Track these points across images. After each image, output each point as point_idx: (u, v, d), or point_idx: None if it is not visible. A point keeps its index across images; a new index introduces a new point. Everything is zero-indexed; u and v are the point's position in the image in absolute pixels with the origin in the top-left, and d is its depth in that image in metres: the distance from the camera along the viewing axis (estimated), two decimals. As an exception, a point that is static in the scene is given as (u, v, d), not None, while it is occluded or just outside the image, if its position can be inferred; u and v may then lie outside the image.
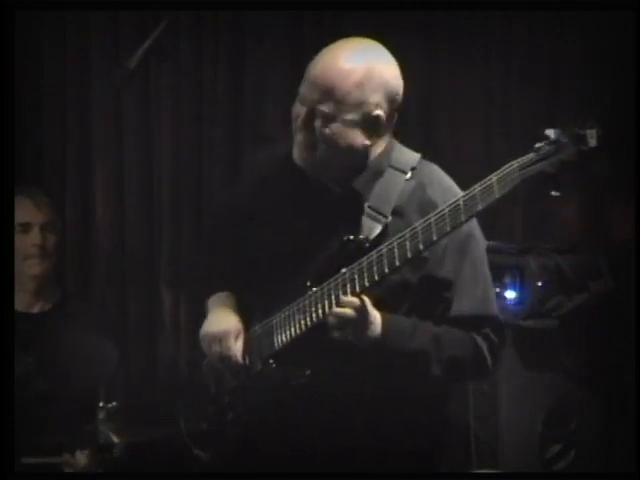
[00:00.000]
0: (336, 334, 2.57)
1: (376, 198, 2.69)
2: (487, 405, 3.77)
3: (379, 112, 2.70)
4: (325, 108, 2.67)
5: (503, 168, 2.39)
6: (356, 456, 2.69)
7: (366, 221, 2.66)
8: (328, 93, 2.67)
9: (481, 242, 2.74)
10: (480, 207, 2.42)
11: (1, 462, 3.00)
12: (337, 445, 2.69)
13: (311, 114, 2.69)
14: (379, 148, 2.75)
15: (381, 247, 2.56)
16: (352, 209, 2.69)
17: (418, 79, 4.47)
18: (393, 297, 2.64)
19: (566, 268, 3.88)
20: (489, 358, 2.68)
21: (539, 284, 3.82)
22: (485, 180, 2.41)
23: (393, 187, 2.68)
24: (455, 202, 2.46)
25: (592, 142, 2.27)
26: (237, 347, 2.77)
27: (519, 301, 3.84)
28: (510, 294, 3.85)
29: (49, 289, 3.97)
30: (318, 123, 2.68)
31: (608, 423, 4.00)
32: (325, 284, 2.62)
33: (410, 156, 2.78)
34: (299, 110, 2.72)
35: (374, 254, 2.55)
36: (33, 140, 4.70)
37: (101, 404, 3.39)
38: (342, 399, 2.67)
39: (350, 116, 2.68)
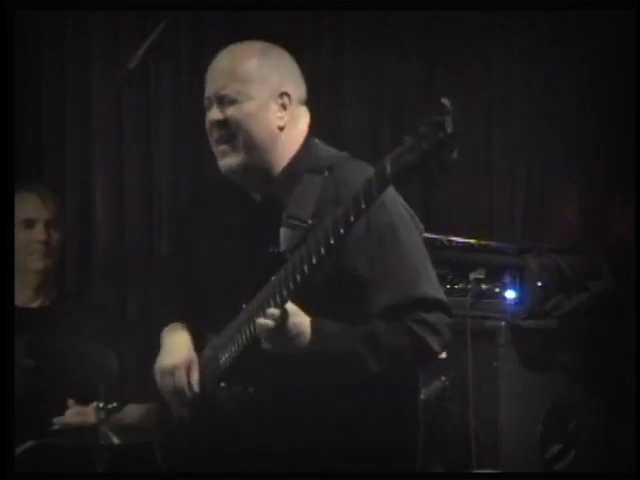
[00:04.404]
0: (265, 345, 2.56)
1: (294, 205, 2.67)
2: (487, 405, 3.77)
3: (285, 89, 2.73)
4: (230, 91, 2.70)
5: (379, 164, 2.37)
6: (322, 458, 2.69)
7: (285, 232, 2.64)
8: (229, 76, 2.70)
9: (405, 229, 2.69)
10: (364, 205, 2.38)
11: (1, 462, 2.99)
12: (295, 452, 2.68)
13: (220, 106, 2.71)
14: (294, 148, 2.76)
15: (298, 251, 2.53)
16: (272, 219, 2.68)
17: (418, 79, 4.48)
18: (318, 301, 2.60)
19: (566, 268, 3.88)
20: (434, 342, 2.63)
21: (539, 284, 3.81)
22: (367, 179, 2.39)
23: (311, 191, 2.66)
24: (343, 206, 2.43)
25: (449, 128, 2.27)
26: (191, 378, 2.79)
27: (519, 301, 3.84)
28: (510, 294, 3.85)
29: (49, 285, 3.99)
30: (229, 112, 2.70)
31: (608, 423, 4.00)
32: (254, 299, 2.63)
33: (329, 155, 2.77)
34: (208, 117, 2.74)
35: (295, 259, 2.53)
36: (33, 139, 4.70)
37: (101, 404, 3.39)
38: (286, 410, 2.67)
39: (258, 93, 2.70)
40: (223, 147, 2.73)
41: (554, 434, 3.87)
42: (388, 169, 2.33)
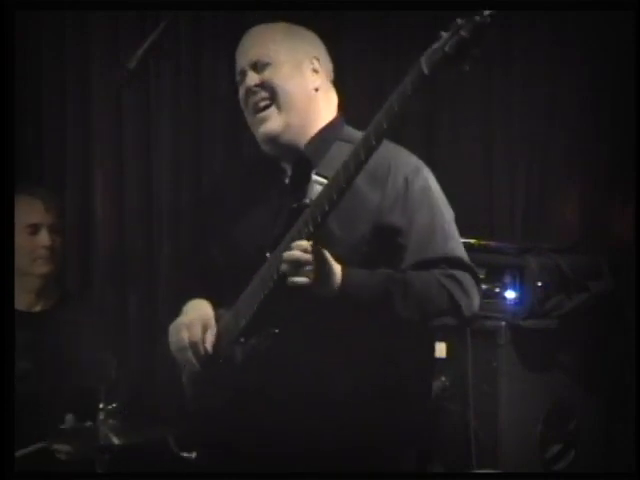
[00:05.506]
0: (290, 280, 2.55)
1: (324, 165, 2.71)
2: (487, 405, 3.77)
3: (315, 54, 2.81)
4: (262, 56, 2.78)
5: (413, 64, 2.40)
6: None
7: (314, 187, 2.65)
8: (259, 45, 2.79)
9: (438, 195, 2.76)
10: (397, 108, 2.43)
11: (1, 462, 2.99)
12: (315, 426, 2.68)
13: (255, 71, 2.77)
14: (328, 115, 2.82)
15: (320, 192, 2.57)
16: (303, 180, 2.71)
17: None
18: (349, 256, 2.64)
19: (566, 268, 3.88)
20: (462, 299, 2.66)
21: (539, 284, 3.82)
22: (401, 83, 2.43)
23: (342, 157, 2.65)
24: (377, 115, 2.47)
25: (486, 11, 2.29)
26: (206, 335, 2.79)
27: (519, 301, 3.84)
28: (510, 294, 3.85)
29: (51, 289, 3.98)
30: (265, 75, 2.77)
31: (608, 423, 4.00)
32: (276, 250, 2.63)
33: (361, 134, 2.78)
34: (245, 85, 2.79)
35: (312, 203, 2.57)
36: (33, 139, 4.70)
37: (101, 405, 3.39)
38: (310, 364, 2.67)
39: (289, 56, 2.78)
40: (262, 114, 2.78)
41: (554, 434, 3.87)
42: (424, 65, 2.37)
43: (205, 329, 2.79)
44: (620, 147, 4.18)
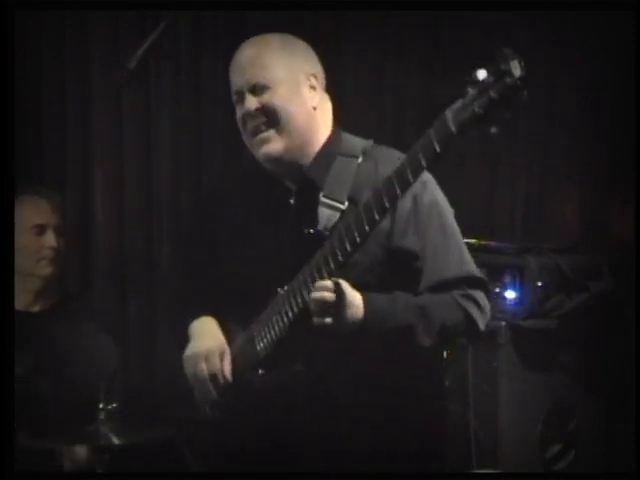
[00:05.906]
0: (318, 320, 2.54)
1: (330, 186, 2.69)
2: (487, 405, 3.77)
3: (312, 71, 2.78)
4: (260, 79, 2.73)
5: (438, 120, 2.37)
6: (351, 456, 2.69)
7: (323, 211, 2.66)
8: (256, 65, 2.74)
9: (446, 209, 2.75)
10: (424, 164, 2.40)
11: (1, 462, 2.99)
12: (329, 444, 2.68)
13: (254, 95, 2.73)
14: (326, 131, 2.79)
15: (339, 229, 2.56)
16: (309, 202, 2.70)
17: (418, 79, 4.48)
18: (364, 278, 2.63)
19: (566, 268, 3.88)
20: (479, 318, 2.68)
21: (539, 284, 3.82)
22: (424, 136, 2.39)
23: (346, 172, 2.67)
24: (400, 165, 2.45)
25: (516, 72, 2.27)
26: (224, 365, 2.77)
27: (519, 301, 3.84)
28: (510, 294, 3.85)
29: (51, 289, 3.97)
30: (264, 98, 2.73)
31: (608, 423, 4.00)
32: (293, 281, 2.62)
33: (360, 141, 2.79)
34: (244, 108, 2.75)
35: (335, 237, 2.55)
36: (33, 139, 4.70)
37: (101, 405, 3.39)
38: (332, 396, 2.67)
39: (286, 76, 2.74)
40: (263, 135, 2.74)
41: (554, 434, 3.87)
42: (450, 123, 2.33)
43: (222, 358, 2.78)
44: (620, 147, 4.18)
